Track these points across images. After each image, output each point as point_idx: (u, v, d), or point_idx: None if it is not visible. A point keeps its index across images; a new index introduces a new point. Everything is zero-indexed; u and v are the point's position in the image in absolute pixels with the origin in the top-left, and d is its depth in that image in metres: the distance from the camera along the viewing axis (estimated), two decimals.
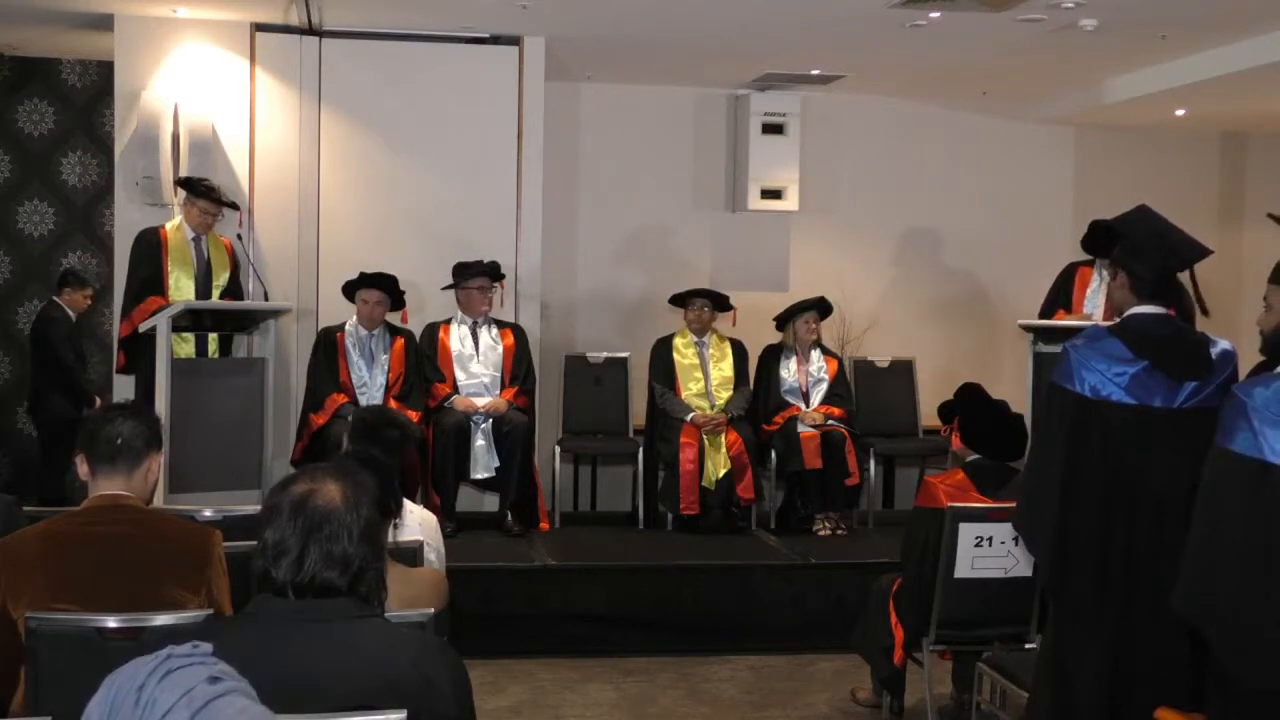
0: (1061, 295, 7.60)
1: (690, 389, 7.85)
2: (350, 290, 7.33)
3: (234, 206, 7.34)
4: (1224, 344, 3.90)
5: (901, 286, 9.83)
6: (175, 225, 7.18)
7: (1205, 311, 4.16)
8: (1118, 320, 4.01)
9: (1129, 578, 3.81)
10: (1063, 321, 7.36)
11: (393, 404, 7.18)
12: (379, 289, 7.31)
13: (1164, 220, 4.04)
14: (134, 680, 1.93)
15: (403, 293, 7.43)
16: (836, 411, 7.79)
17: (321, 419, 7.12)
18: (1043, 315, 7.45)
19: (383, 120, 8.03)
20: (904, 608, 5.24)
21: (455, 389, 7.40)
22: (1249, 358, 3.96)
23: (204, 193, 7.14)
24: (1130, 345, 3.80)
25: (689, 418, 7.68)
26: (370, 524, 2.39)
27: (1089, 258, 7.66)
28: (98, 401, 8.16)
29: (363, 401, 7.15)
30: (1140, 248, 3.96)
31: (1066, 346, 3.90)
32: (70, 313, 8.63)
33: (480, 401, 7.36)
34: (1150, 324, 3.87)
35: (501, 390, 7.45)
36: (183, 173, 7.42)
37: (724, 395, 7.85)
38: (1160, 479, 3.73)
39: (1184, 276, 4.04)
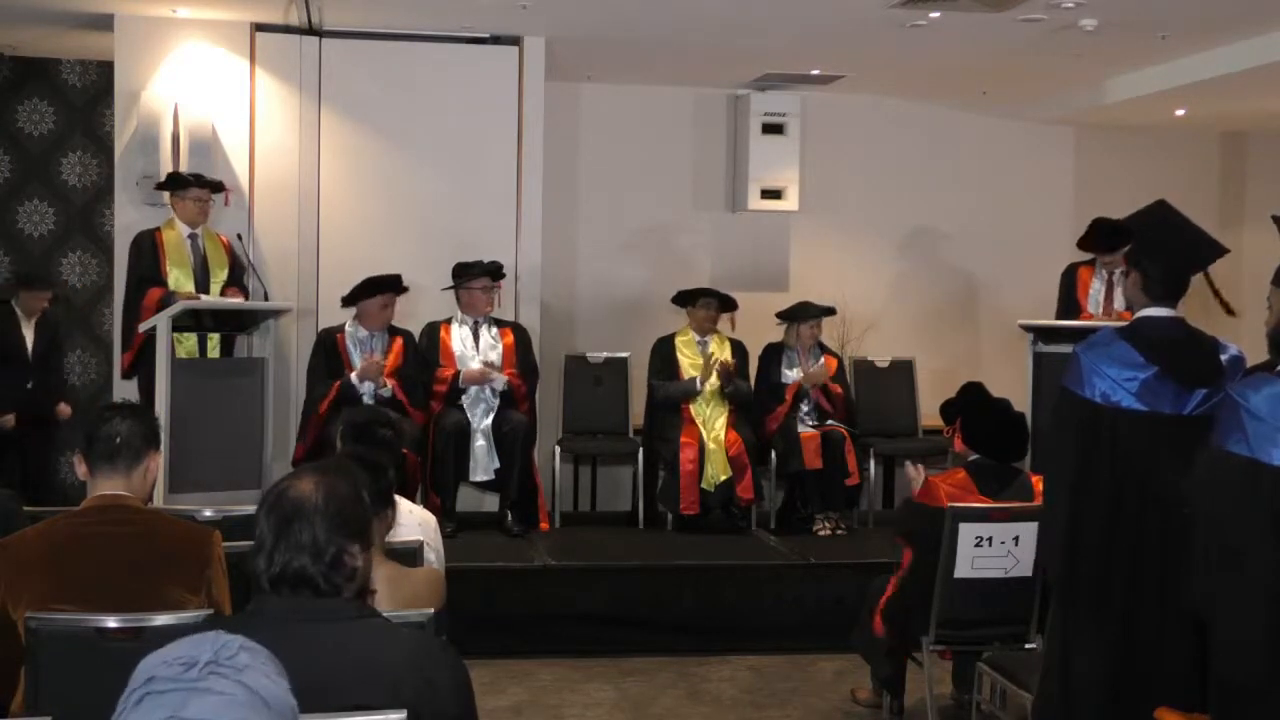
0: (1072, 300, 7.61)
1: None
2: (355, 301, 7.23)
3: (220, 186, 7.33)
4: (1234, 349, 3.88)
5: (901, 286, 9.83)
6: (170, 225, 7.18)
7: (1230, 311, 4.09)
8: (1128, 323, 4.00)
9: (1136, 582, 3.81)
10: (1063, 322, 7.37)
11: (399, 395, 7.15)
12: (387, 291, 7.24)
13: (1181, 216, 4.02)
14: (121, 706, 1.89)
15: (405, 289, 7.39)
16: (836, 389, 7.80)
17: (323, 407, 7.05)
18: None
19: (383, 120, 8.03)
20: (898, 608, 5.23)
21: (456, 384, 7.37)
22: (1252, 358, 3.96)
23: (192, 182, 7.14)
24: (1141, 350, 3.79)
25: (696, 382, 7.68)
26: (345, 514, 2.38)
27: (1087, 257, 7.67)
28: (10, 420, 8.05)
29: (363, 400, 7.14)
30: (1155, 246, 3.93)
31: (1077, 351, 3.89)
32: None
33: (488, 374, 7.31)
34: (1161, 328, 3.85)
35: (501, 393, 7.43)
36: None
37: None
38: (1168, 486, 3.72)
39: (1197, 277, 4.02)
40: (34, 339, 8.28)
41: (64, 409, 8.24)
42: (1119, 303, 7.29)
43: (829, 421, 7.76)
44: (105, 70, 8.56)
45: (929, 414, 7.90)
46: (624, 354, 8.54)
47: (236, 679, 1.83)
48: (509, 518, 7.45)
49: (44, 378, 8.32)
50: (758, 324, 8.21)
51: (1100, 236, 7.39)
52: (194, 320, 6.94)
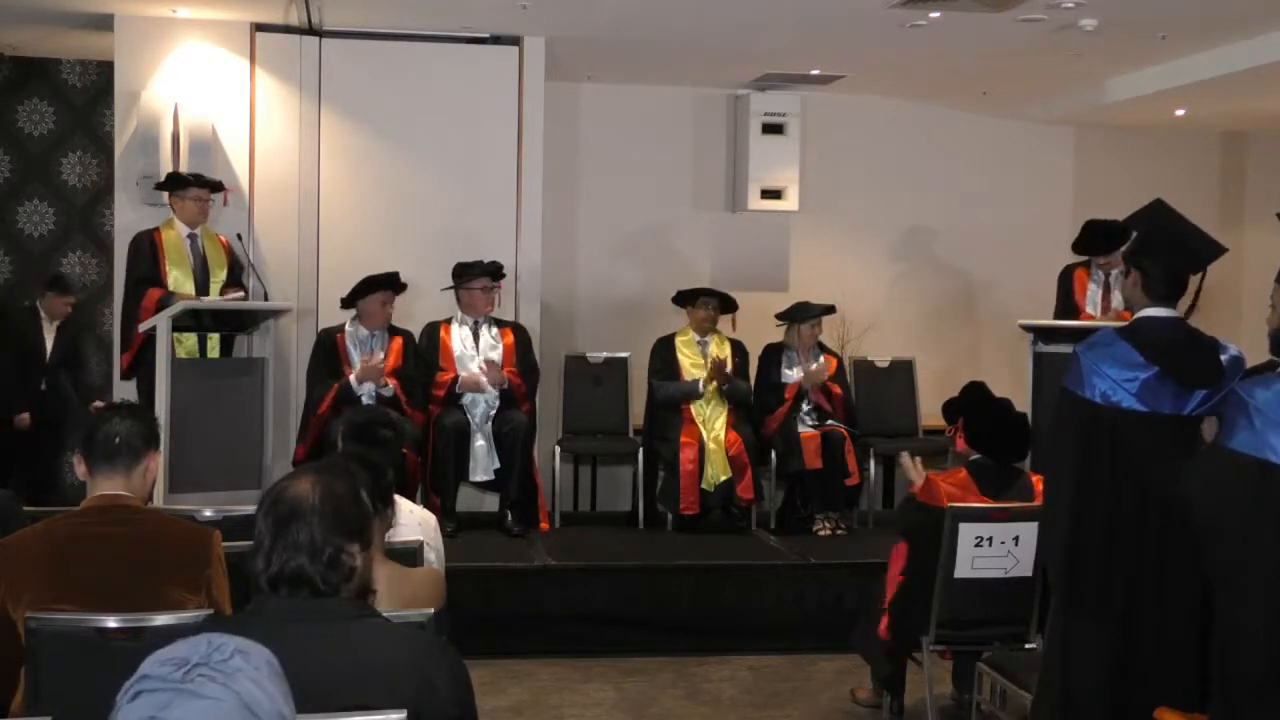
0: (1070, 302, 7.61)
1: None
2: (353, 301, 7.24)
3: (220, 186, 7.33)
4: (1234, 350, 3.89)
5: (901, 286, 9.83)
6: (169, 225, 7.18)
7: (1188, 311, 4.12)
8: (1128, 324, 4.00)
9: (1136, 582, 3.82)
10: (1063, 322, 7.37)
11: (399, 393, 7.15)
12: (385, 289, 7.25)
13: (1180, 217, 4.03)
14: (118, 701, 1.89)
15: (404, 286, 7.38)
16: (836, 389, 7.80)
17: (324, 408, 7.05)
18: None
19: (383, 120, 8.03)
20: (899, 608, 5.22)
21: (454, 389, 7.37)
22: (1252, 357, 3.96)
23: (192, 182, 7.15)
24: (1141, 350, 3.79)
25: (699, 385, 7.68)
26: (342, 514, 2.38)
27: (1082, 259, 7.68)
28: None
29: (363, 401, 7.13)
30: (1155, 246, 3.94)
31: (1077, 351, 3.89)
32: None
33: (484, 379, 7.31)
34: (1161, 328, 3.85)
35: (502, 393, 7.42)
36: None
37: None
38: (1168, 485, 3.72)
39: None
40: (54, 342, 8.39)
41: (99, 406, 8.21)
42: (1116, 302, 7.29)
43: (829, 421, 7.76)
44: (105, 70, 8.56)
45: (929, 414, 7.90)
46: (624, 354, 8.54)
47: (225, 683, 1.83)
48: (509, 518, 7.45)
49: (57, 381, 8.39)
50: (758, 324, 8.21)
51: (1094, 238, 7.40)
52: (194, 320, 6.94)
